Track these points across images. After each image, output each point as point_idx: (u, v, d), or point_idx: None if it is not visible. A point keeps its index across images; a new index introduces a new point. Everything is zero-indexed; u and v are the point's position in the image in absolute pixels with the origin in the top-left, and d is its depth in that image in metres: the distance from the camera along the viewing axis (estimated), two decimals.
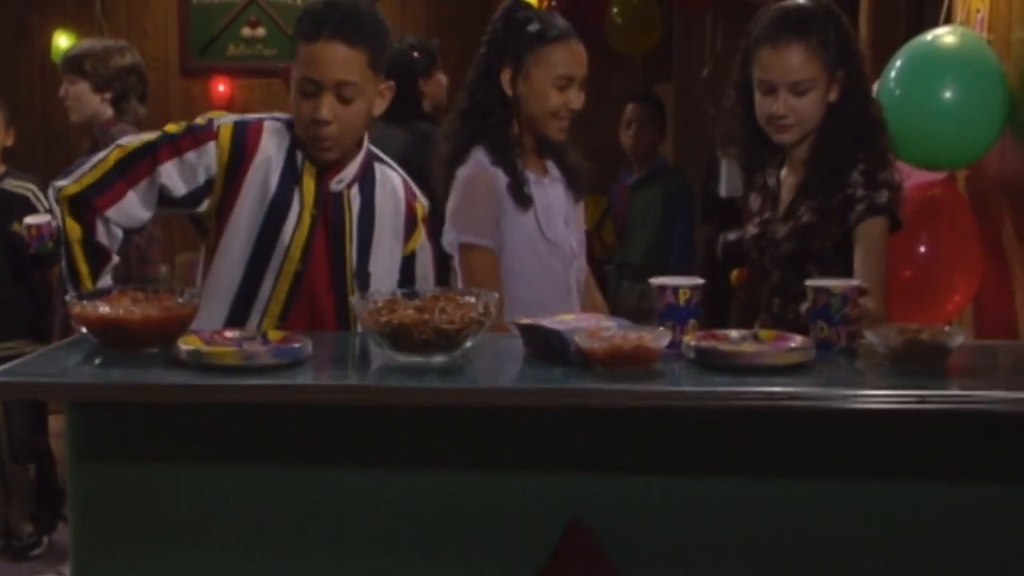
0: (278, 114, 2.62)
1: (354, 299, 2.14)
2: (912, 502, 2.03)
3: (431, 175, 4.41)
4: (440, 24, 7.08)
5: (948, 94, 2.89)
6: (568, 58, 2.94)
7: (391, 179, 2.68)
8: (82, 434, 2.08)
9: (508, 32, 2.96)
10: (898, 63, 2.97)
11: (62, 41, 6.87)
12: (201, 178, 2.51)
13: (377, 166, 2.66)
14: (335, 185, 2.56)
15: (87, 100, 4.12)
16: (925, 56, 2.97)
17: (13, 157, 4.65)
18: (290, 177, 2.53)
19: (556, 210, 3.02)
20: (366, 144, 2.65)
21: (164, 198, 2.52)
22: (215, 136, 2.51)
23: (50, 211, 4.14)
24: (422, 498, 2.06)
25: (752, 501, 2.04)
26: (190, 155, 2.50)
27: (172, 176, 2.50)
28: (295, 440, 2.07)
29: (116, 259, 2.56)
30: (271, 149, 2.53)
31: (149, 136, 2.54)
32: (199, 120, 2.56)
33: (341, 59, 2.44)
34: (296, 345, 2.08)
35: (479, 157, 2.95)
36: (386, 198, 2.63)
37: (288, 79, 2.52)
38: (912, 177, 3.08)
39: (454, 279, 4.74)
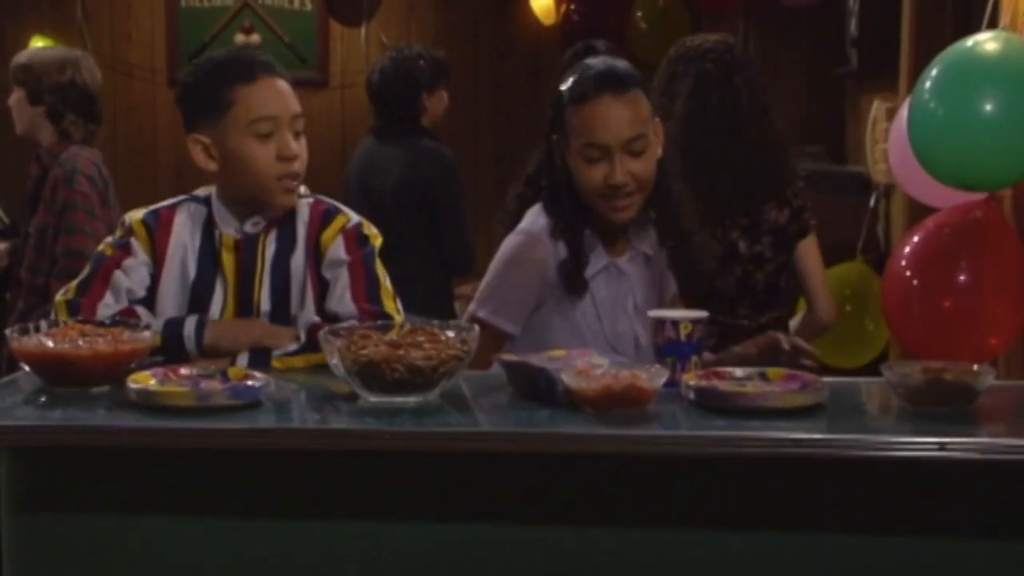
0: (198, 191, 2.63)
1: (321, 334, 2.13)
2: (932, 558, 2.00)
3: (439, 188, 4.41)
4: (449, 28, 7.07)
5: (989, 107, 2.85)
6: (592, 122, 2.55)
7: (300, 210, 2.60)
8: (20, 482, 2.07)
9: (556, 89, 2.66)
10: (933, 72, 2.93)
11: None
12: (145, 272, 2.54)
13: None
14: (250, 227, 2.55)
15: (24, 110, 4.12)
16: (964, 64, 2.93)
17: None
18: (208, 258, 2.55)
19: (620, 301, 2.70)
20: None
21: (132, 301, 2.54)
22: (132, 232, 2.56)
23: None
24: (393, 550, 2.05)
25: (754, 556, 2.01)
26: (127, 262, 2.54)
27: (125, 280, 2.52)
28: (254, 487, 2.06)
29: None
30: (185, 233, 2.56)
31: (83, 273, 2.58)
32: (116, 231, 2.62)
33: (287, 92, 2.54)
34: (255, 384, 2.07)
35: (538, 219, 2.66)
36: (298, 236, 2.58)
37: (201, 149, 2.52)
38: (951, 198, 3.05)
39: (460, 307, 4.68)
